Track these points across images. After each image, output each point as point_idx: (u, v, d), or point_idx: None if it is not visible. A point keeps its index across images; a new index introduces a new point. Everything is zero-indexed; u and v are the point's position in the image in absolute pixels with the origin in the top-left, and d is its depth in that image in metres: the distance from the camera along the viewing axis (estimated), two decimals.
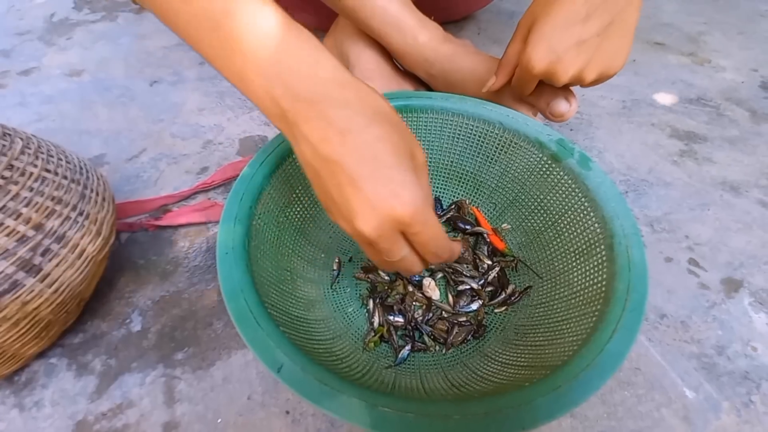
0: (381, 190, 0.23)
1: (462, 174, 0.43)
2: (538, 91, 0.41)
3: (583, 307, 0.30)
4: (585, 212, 0.33)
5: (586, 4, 0.34)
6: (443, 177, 0.44)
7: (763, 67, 0.69)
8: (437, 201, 0.44)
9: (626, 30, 0.35)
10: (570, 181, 0.35)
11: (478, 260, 0.39)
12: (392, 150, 0.24)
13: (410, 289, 0.38)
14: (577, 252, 0.33)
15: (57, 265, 0.30)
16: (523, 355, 0.31)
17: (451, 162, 0.43)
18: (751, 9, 0.86)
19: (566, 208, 0.35)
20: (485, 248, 0.40)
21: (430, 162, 0.43)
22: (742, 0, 0.89)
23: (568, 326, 0.30)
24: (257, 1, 0.24)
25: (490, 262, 0.39)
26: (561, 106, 0.41)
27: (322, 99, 0.24)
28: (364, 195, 0.23)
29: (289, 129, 0.25)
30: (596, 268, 0.30)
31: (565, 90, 0.41)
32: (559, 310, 0.32)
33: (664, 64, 0.69)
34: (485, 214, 0.42)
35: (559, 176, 0.36)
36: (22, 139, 0.34)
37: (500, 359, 0.32)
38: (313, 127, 0.24)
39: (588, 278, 0.31)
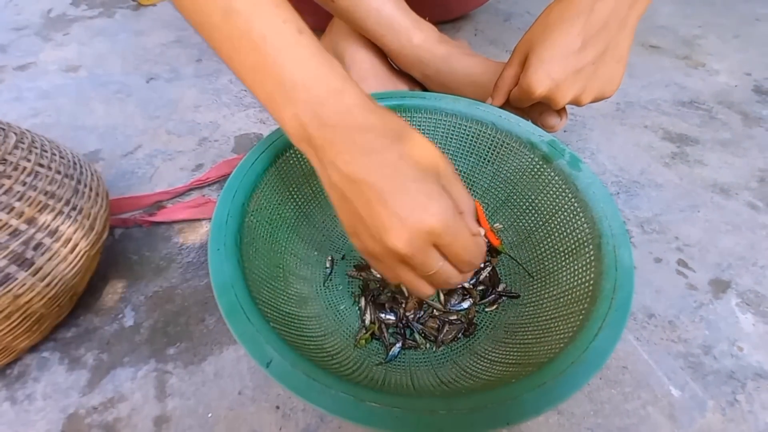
0: (409, 203, 0.23)
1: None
2: (533, 105, 0.42)
3: (571, 305, 0.30)
4: (575, 212, 0.34)
5: (581, 33, 0.35)
6: None
7: (756, 71, 0.70)
8: None
9: (620, 56, 0.37)
10: (560, 182, 0.35)
11: None
12: (415, 165, 0.24)
13: (403, 287, 0.39)
14: (566, 252, 0.34)
15: (49, 259, 0.30)
16: (511, 353, 0.31)
17: None
18: (747, 12, 0.87)
19: (557, 208, 0.36)
20: None
21: None
22: (739, 3, 0.90)
23: (556, 324, 0.30)
24: (294, 29, 0.25)
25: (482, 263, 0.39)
26: (552, 119, 0.43)
27: (348, 124, 0.24)
28: (393, 210, 0.23)
29: (315, 153, 0.26)
30: (584, 268, 0.31)
31: None
32: (548, 309, 0.33)
33: (658, 67, 0.70)
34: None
35: (549, 177, 0.36)
36: (15, 133, 0.34)
37: (490, 357, 0.32)
38: (339, 150, 0.24)
39: (576, 277, 0.31)
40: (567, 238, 0.34)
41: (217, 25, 0.25)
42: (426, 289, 0.27)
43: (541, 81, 0.36)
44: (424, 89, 0.55)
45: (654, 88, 0.65)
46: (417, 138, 0.25)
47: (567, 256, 0.33)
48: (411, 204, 0.23)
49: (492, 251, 0.40)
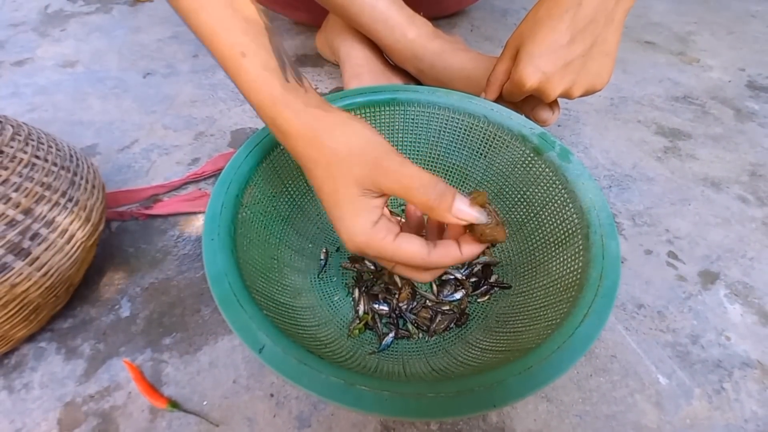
0: (343, 222, 0.26)
1: (449, 167, 0.44)
2: (525, 99, 0.42)
3: (560, 294, 0.30)
4: (564, 204, 0.34)
5: (569, 28, 0.36)
6: (431, 169, 0.44)
7: (750, 67, 0.70)
8: None
9: (608, 50, 0.38)
10: (551, 174, 0.36)
11: None
12: (330, 196, 0.27)
13: (396, 278, 0.39)
14: (556, 242, 0.34)
15: (46, 249, 0.31)
16: (502, 341, 0.32)
17: (438, 155, 0.44)
18: (741, 9, 0.88)
19: (547, 200, 0.36)
20: None
21: (418, 155, 0.44)
22: (733, 1, 0.91)
23: (545, 312, 0.30)
24: (237, 52, 0.26)
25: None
26: (544, 113, 0.43)
27: (297, 136, 0.27)
28: (336, 224, 0.27)
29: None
30: (573, 257, 0.31)
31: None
32: (538, 298, 0.33)
33: (652, 63, 0.70)
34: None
35: (540, 169, 0.37)
36: (12, 126, 0.34)
37: (481, 345, 0.33)
38: (298, 157, 0.28)
39: (565, 267, 0.32)
40: (557, 229, 0.34)
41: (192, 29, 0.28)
42: (416, 276, 0.28)
43: (531, 75, 0.37)
44: (419, 84, 0.56)
45: (648, 83, 0.66)
46: (352, 147, 0.26)
47: (557, 247, 0.34)
48: (344, 224, 0.26)
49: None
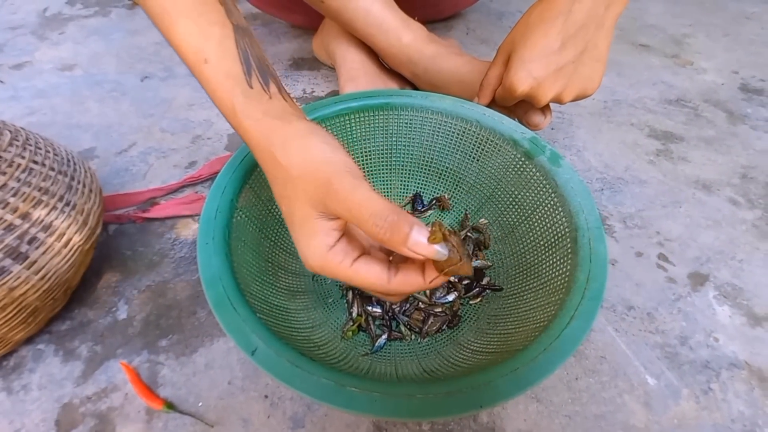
0: (299, 243, 0.26)
1: (442, 170, 0.44)
2: (518, 103, 0.43)
3: (549, 296, 0.31)
4: (554, 207, 0.35)
5: (560, 34, 0.36)
6: (425, 173, 0.45)
7: (744, 69, 0.71)
8: (418, 197, 0.45)
9: (599, 55, 0.38)
10: (541, 178, 0.36)
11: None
12: (287, 215, 0.27)
13: None
14: (546, 245, 0.35)
15: (43, 253, 0.31)
16: (492, 343, 0.32)
17: (432, 158, 0.44)
18: (737, 11, 0.88)
19: (538, 203, 0.37)
20: (471, 245, 0.41)
21: (412, 158, 0.44)
22: (728, 2, 0.91)
23: (534, 314, 0.31)
24: (200, 59, 0.27)
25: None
26: (536, 117, 0.44)
27: (261, 149, 0.27)
28: (296, 244, 0.27)
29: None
30: (562, 260, 0.32)
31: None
32: (528, 300, 0.34)
33: (647, 66, 0.71)
34: (465, 208, 0.44)
35: (531, 173, 0.37)
36: (10, 131, 0.35)
37: (472, 347, 0.33)
38: (265, 170, 0.28)
39: (555, 269, 0.32)
40: (547, 232, 0.35)
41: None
42: (380, 297, 0.28)
43: (522, 80, 0.38)
44: (415, 87, 0.56)
45: (642, 86, 0.66)
46: (306, 166, 0.25)
47: (547, 249, 0.34)
48: (299, 245, 0.26)
49: (480, 245, 0.41)
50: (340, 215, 0.23)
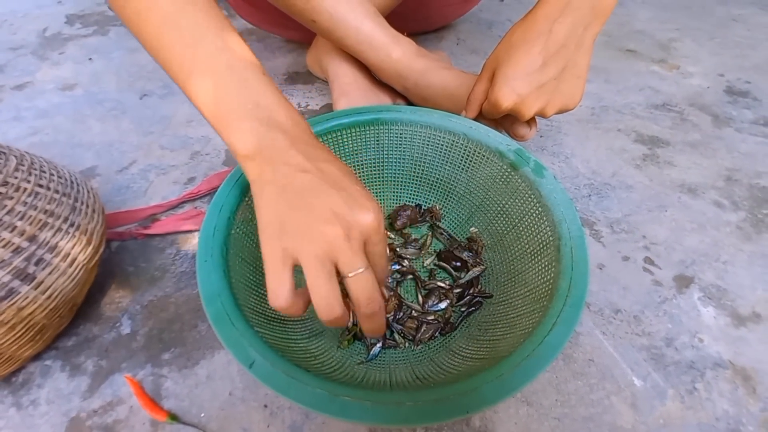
0: (355, 198, 0.28)
1: (433, 181, 0.46)
2: (504, 116, 0.45)
3: (534, 303, 0.32)
4: (539, 217, 0.36)
5: (542, 53, 0.38)
6: (416, 184, 0.46)
7: (729, 72, 0.72)
8: (418, 207, 0.46)
9: (579, 72, 0.40)
10: (526, 188, 0.38)
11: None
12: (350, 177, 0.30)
13: (383, 290, 0.41)
14: (532, 253, 0.36)
15: (50, 273, 0.33)
16: (482, 349, 0.33)
17: (423, 170, 0.46)
18: (724, 14, 0.90)
19: (524, 213, 0.38)
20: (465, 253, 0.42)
21: (404, 170, 0.46)
22: (715, 6, 0.93)
23: (521, 321, 0.32)
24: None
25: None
26: (522, 129, 0.45)
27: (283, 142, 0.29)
28: (345, 197, 0.29)
29: (264, 159, 0.29)
30: (546, 268, 0.33)
31: None
32: (516, 307, 0.35)
33: (634, 72, 0.72)
34: (455, 218, 0.45)
35: (517, 183, 0.39)
36: (16, 156, 0.37)
37: (463, 353, 0.35)
38: (295, 151, 0.29)
39: (540, 277, 0.34)
40: (533, 241, 0.36)
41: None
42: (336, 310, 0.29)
43: (506, 96, 0.39)
44: (407, 100, 0.58)
45: (629, 92, 0.68)
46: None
47: (532, 257, 0.36)
48: (355, 199, 0.27)
49: (472, 250, 0.43)
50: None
